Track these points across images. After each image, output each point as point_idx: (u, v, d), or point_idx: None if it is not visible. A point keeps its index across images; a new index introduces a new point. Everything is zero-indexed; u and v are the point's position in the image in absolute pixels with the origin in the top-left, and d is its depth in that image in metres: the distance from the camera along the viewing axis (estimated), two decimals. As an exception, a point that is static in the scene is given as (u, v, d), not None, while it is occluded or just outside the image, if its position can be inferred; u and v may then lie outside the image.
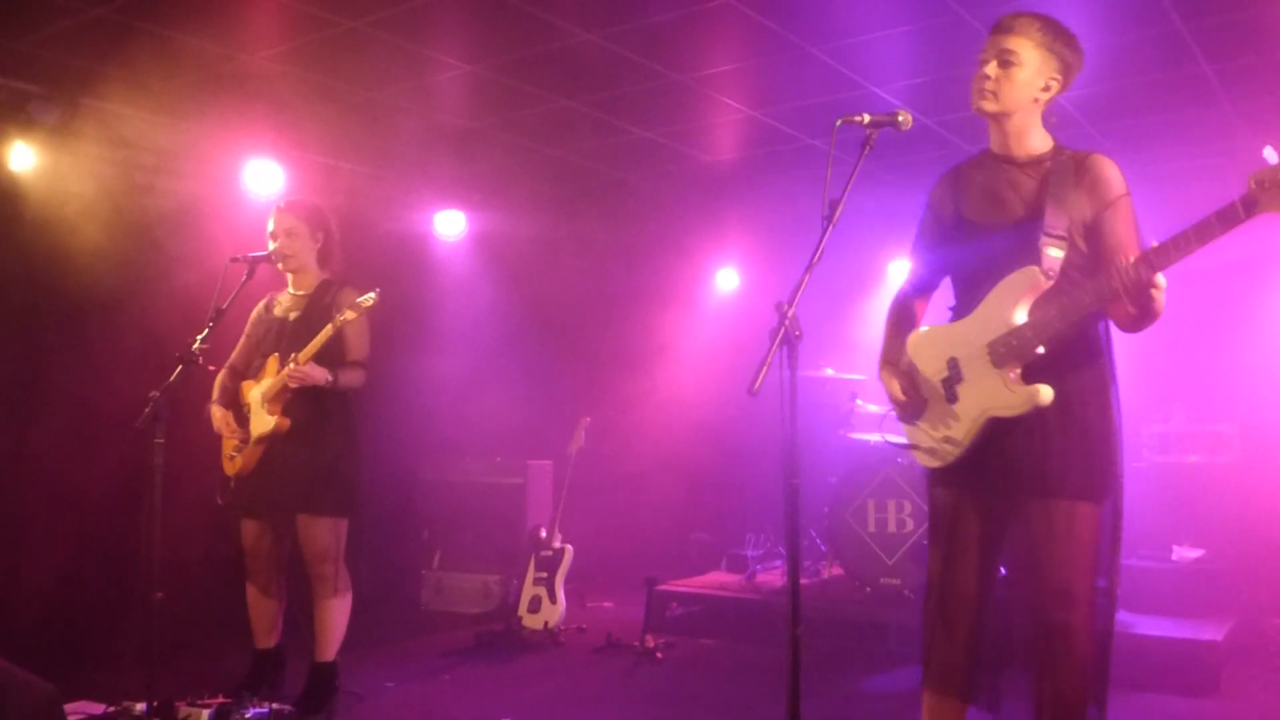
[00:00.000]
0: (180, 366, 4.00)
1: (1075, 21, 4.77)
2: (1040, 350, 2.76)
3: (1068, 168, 2.87)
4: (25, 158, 5.44)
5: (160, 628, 3.89)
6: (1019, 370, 2.79)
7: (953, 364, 2.92)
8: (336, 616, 4.47)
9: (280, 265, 4.54)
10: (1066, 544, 2.77)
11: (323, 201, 4.85)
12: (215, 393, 4.58)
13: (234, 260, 4.37)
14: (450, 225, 7.68)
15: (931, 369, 2.97)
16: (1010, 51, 2.88)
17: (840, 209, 2.82)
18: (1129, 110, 5.88)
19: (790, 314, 2.66)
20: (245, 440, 4.43)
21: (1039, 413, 2.75)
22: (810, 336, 2.78)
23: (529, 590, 6.15)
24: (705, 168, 7.17)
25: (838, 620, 5.92)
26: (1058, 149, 2.95)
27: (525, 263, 8.06)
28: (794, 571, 2.70)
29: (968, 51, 5.05)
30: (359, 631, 4.58)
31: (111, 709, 4.21)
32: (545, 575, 6.13)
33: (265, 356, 4.50)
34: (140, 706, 4.07)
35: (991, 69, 2.90)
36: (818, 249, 2.79)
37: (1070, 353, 2.80)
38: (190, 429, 4.65)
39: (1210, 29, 4.85)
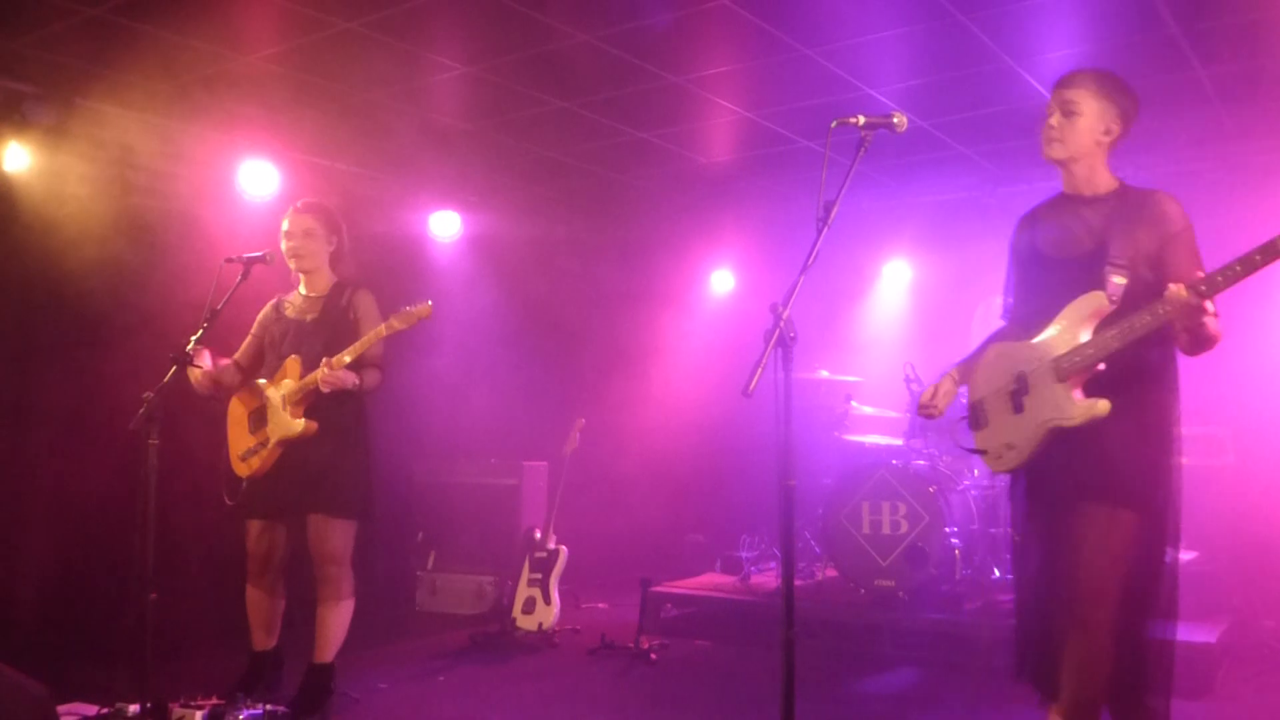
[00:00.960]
0: (175, 367, 4.00)
1: (1070, 25, 4.83)
2: (1101, 367, 2.96)
3: (1132, 204, 3.09)
4: (20, 158, 5.45)
5: (154, 629, 3.88)
6: (1080, 385, 2.99)
7: (1020, 378, 3.11)
8: (339, 619, 4.45)
9: (294, 265, 4.53)
10: (1078, 548, 2.94)
11: (334, 205, 4.85)
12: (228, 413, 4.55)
13: (229, 261, 4.37)
14: (445, 226, 7.69)
15: (1001, 382, 3.19)
16: (1071, 102, 3.16)
17: (835, 211, 2.84)
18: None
19: (785, 315, 2.68)
20: (264, 443, 4.39)
21: (1095, 429, 2.94)
22: (805, 338, 2.80)
23: (523, 591, 6.15)
24: (700, 169, 7.18)
25: (832, 622, 5.93)
26: (1123, 187, 3.16)
27: (520, 264, 8.06)
28: (788, 573, 2.71)
29: (962, 53, 5.12)
30: (354, 633, 4.57)
31: (105, 710, 4.19)
32: (540, 576, 6.13)
33: (282, 358, 4.45)
34: (134, 708, 4.05)
35: (1056, 119, 3.18)
36: (813, 251, 2.81)
37: (1129, 372, 2.98)
38: (185, 430, 4.65)
39: (1205, 34, 4.87)
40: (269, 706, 4.20)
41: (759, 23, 4.78)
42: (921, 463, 6.22)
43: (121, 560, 5.30)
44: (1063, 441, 3.01)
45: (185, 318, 4.52)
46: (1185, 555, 5.95)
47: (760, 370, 2.61)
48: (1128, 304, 2.95)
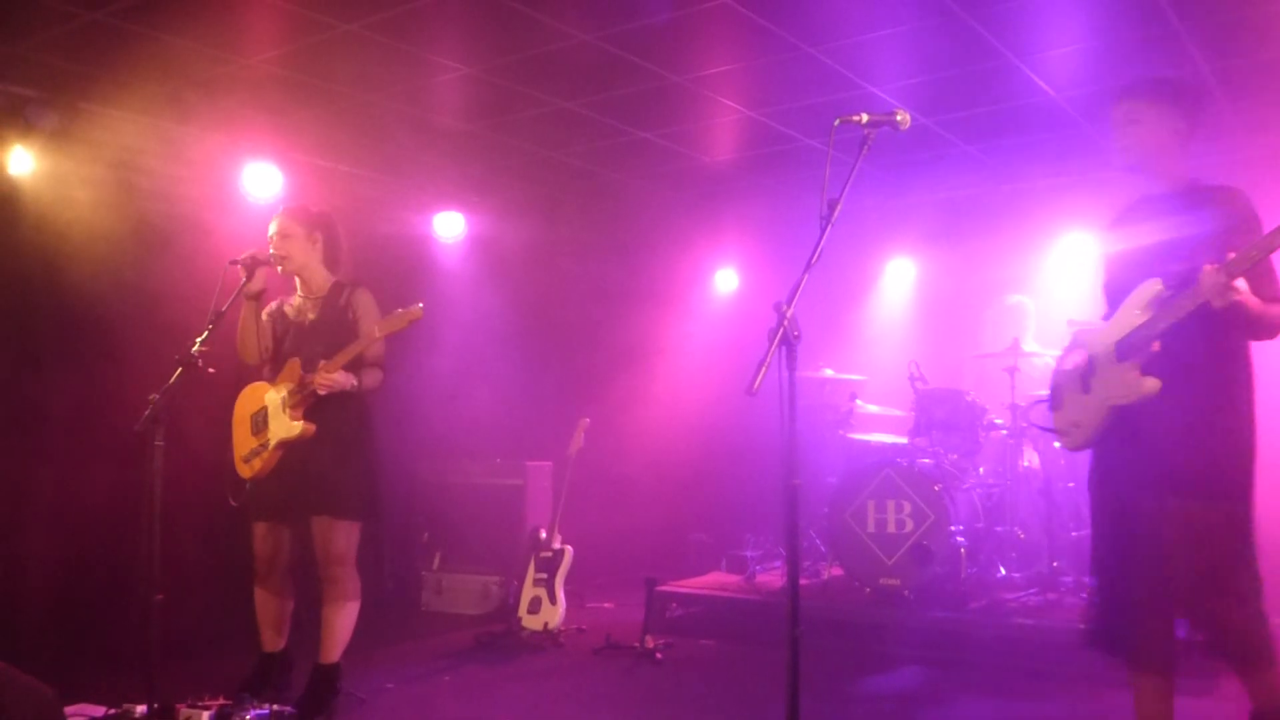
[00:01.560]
0: (180, 369, 4.00)
1: (1072, 22, 4.83)
2: (1155, 347, 3.12)
3: (1199, 198, 3.24)
4: (24, 162, 5.46)
5: (160, 630, 3.89)
6: (1139, 365, 3.15)
7: (1090, 360, 3.34)
8: (345, 620, 4.46)
9: (279, 269, 4.54)
10: (1149, 540, 3.12)
11: (326, 206, 4.85)
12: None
13: (232, 263, 4.38)
14: (449, 227, 7.70)
15: (1073, 364, 3.43)
16: (1131, 113, 3.35)
17: (839, 209, 2.85)
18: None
19: (789, 314, 2.68)
20: (265, 445, 4.39)
21: (1154, 414, 3.11)
22: (809, 337, 2.80)
23: (529, 591, 6.15)
24: (703, 168, 7.18)
25: (837, 621, 5.91)
26: (1193, 183, 3.32)
27: (524, 264, 8.07)
28: (793, 572, 2.71)
29: (965, 51, 5.12)
30: (360, 633, 4.58)
31: (112, 711, 4.20)
32: (545, 576, 6.13)
33: (283, 359, 4.47)
34: (141, 708, 4.07)
35: (1120, 130, 3.37)
36: (816, 249, 2.81)
37: (1189, 357, 3.11)
38: (190, 432, 4.66)
39: (1207, 29, 4.86)
40: (275, 707, 4.21)
41: (761, 21, 4.78)
42: (926, 461, 6.22)
43: (127, 561, 5.31)
44: (1129, 427, 3.19)
45: (190, 320, 4.52)
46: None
47: (764, 369, 2.62)
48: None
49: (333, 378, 4.26)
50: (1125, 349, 3.18)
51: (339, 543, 4.39)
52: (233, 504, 4.48)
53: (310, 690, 4.42)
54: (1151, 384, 3.09)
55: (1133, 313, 3.20)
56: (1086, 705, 4.72)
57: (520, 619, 6.09)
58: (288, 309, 4.61)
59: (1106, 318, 3.42)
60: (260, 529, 4.51)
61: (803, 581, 6.30)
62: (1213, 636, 3.14)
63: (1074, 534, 6.40)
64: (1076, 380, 3.39)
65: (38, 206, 5.52)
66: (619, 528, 7.84)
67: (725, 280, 9.20)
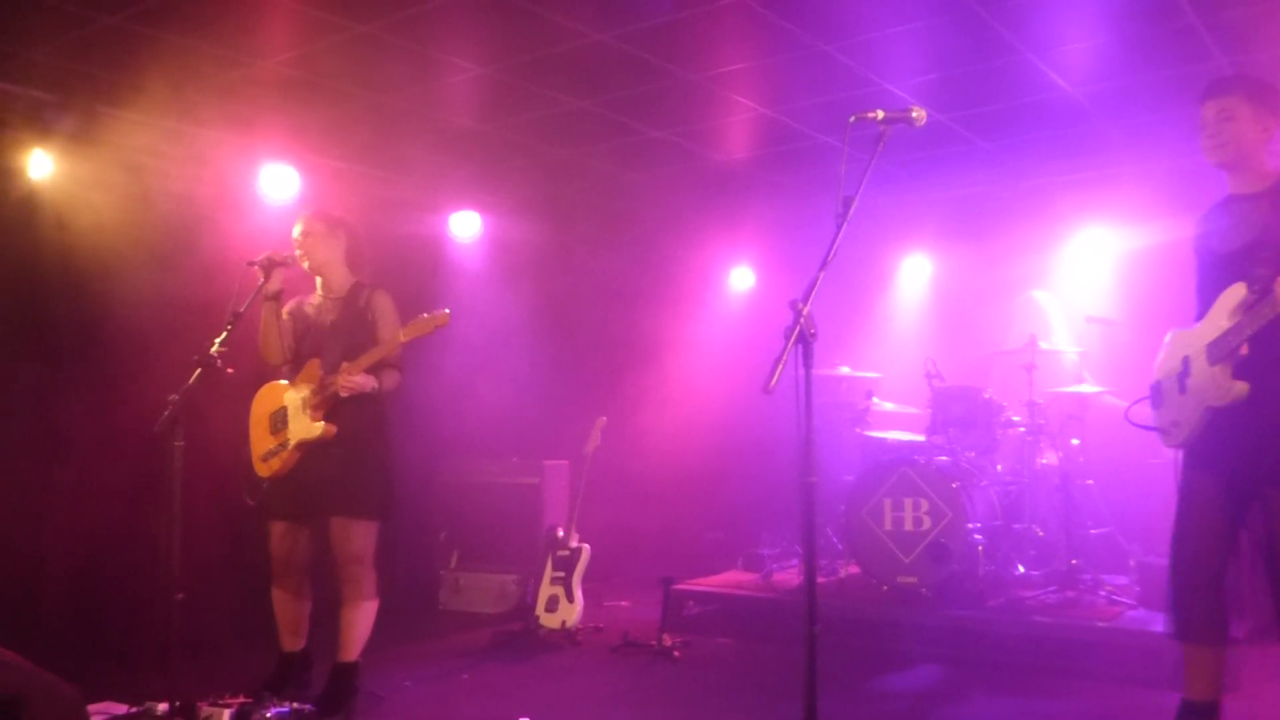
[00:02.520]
0: (198, 370, 4.03)
1: (1089, 16, 4.81)
2: (1244, 351, 3.21)
3: None
4: (43, 166, 5.50)
5: (181, 628, 3.91)
6: (1230, 368, 3.26)
7: (1185, 362, 3.44)
8: (363, 619, 4.48)
9: (305, 266, 4.59)
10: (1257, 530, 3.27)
11: (344, 209, 4.92)
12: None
13: (250, 264, 4.41)
14: (465, 227, 7.72)
15: (1171, 365, 3.53)
16: (1227, 108, 3.39)
17: (854, 206, 2.84)
18: (1143, 105, 5.86)
19: (805, 312, 2.68)
20: (284, 444, 4.42)
21: (1251, 410, 3.23)
22: (825, 334, 2.80)
23: (546, 590, 6.16)
24: (718, 166, 7.18)
25: (854, 619, 5.91)
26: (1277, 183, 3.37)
27: (539, 263, 8.08)
28: (810, 570, 2.71)
29: (981, 47, 5.10)
30: (378, 632, 4.60)
31: (134, 709, 4.23)
32: (562, 575, 6.15)
33: (303, 359, 4.50)
34: (162, 707, 4.10)
35: (1214, 127, 3.42)
36: (832, 247, 2.81)
37: (1274, 357, 3.21)
38: (209, 433, 4.68)
39: (1225, 23, 4.83)
40: (295, 705, 4.23)
41: (775, 19, 4.77)
42: (944, 459, 6.20)
43: (148, 561, 5.35)
44: (1229, 426, 3.29)
45: (208, 321, 4.55)
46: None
47: (781, 367, 2.62)
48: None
49: (355, 380, 4.30)
50: (1216, 353, 3.29)
51: (356, 543, 4.42)
52: (249, 503, 4.51)
53: (330, 688, 4.44)
54: (1241, 387, 3.22)
55: (1221, 316, 3.31)
56: (1107, 703, 4.70)
57: (538, 617, 6.11)
58: (308, 308, 4.64)
59: (1198, 318, 3.49)
60: (278, 528, 4.53)
61: (820, 580, 6.29)
62: None
63: (1092, 531, 6.38)
64: (1174, 381, 3.49)
65: (56, 209, 5.56)
66: (636, 526, 7.85)
67: (740, 278, 9.20)
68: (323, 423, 4.36)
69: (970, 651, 5.45)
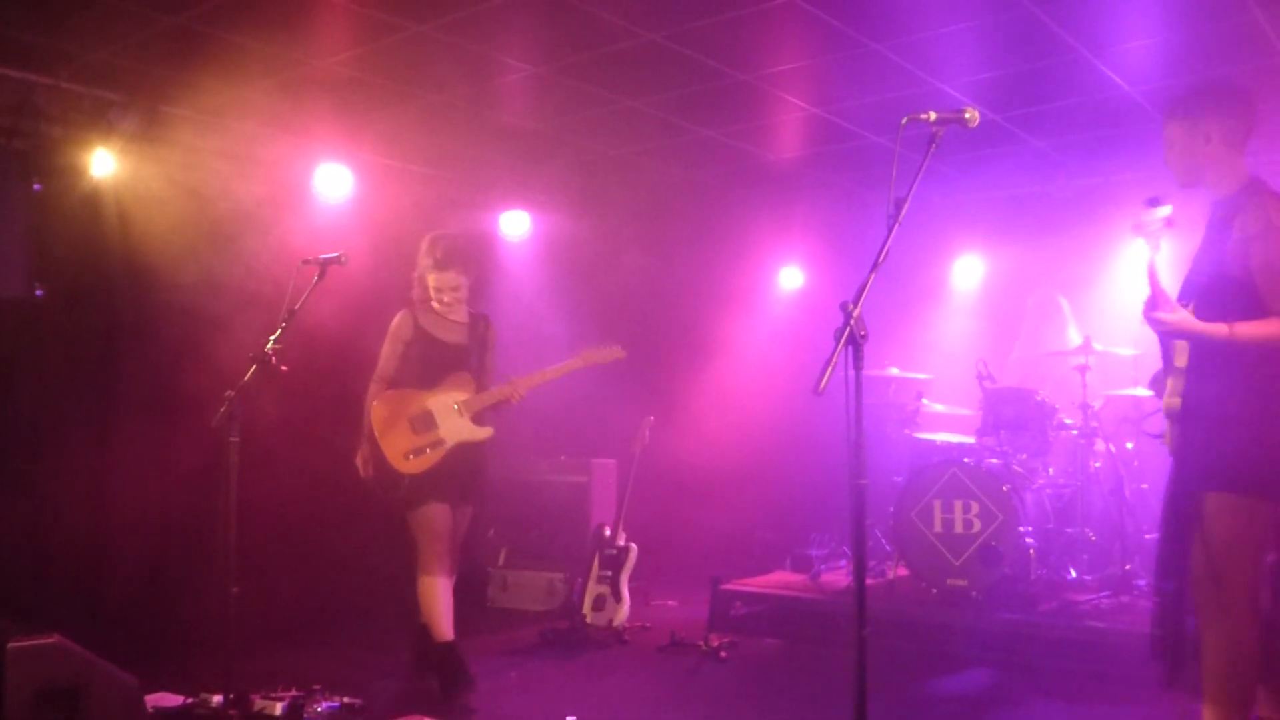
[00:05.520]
0: (254, 366, 4.09)
1: (1146, 14, 4.72)
2: (1180, 363, 3.35)
3: (1238, 204, 3.29)
4: (106, 164, 5.60)
5: (237, 621, 3.98)
6: (1182, 378, 3.35)
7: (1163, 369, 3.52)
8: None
9: (443, 311, 5.02)
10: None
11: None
12: (371, 417, 4.86)
13: (305, 262, 4.45)
14: (515, 225, 7.75)
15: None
16: (1166, 139, 3.46)
17: (906, 207, 2.82)
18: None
19: (855, 314, 2.66)
20: (438, 443, 4.80)
21: (1186, 418, 3.35)
22: (875, 335, 2.78)
23: (593, 588, 6.18)
24: (769, 166, 7.16)
25: (903, 621, 5.86)
26: (1243, 188, 3.34)
27: (588, 262, 8.09)
28: (860, 572, 2.70)
29: (1035, 45, 5.04)
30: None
31: (190, 700, 4.32)
32: (609, 573, 6.16)
33: (439, 372, 4.91)
34: (217, 698, 4.17)
35: (1166, 157, 3.48)
36: (883, 248, 2.79)
37: (1211, 364, 3.27)
38: (265, 428, 4.75)
39: (1291, 19, 4.73)
40: (347, 700, 4.29)
41: (827, 19, 4.75)
42: (994, 461, 6.14)
43: (205, 554, 5.45)
44: (1183, 435, 3.35)
45: (264, 318, 4.63)
46: None
47: (830, 369, 2.61)
48: (1213, 299, 3.23)
49: (523, 393, 4.98)
50: (1167, 359, 3.43)
51: (467, 526, 5.08)
52: (384, 497, 4.83)
53: (456, 666, 4.72)
54: (1172, 401, 3.37)
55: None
56: (1161, 712, 4.62)
57: (585, 616, 6.13)
58: (429, 327, 4.99)
59: None
60: (442, 512, 4.82)
61: (868, 581, 6.25)
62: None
63: (1147, 536, 6.27)
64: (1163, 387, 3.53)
65: (119, 207, 5.67)
66: (683, 525, 7.84)
67: (790, 278, 9.16)
68: (488, 427, 4.96)
69: (1021, 656, 5.39)
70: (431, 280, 4.96)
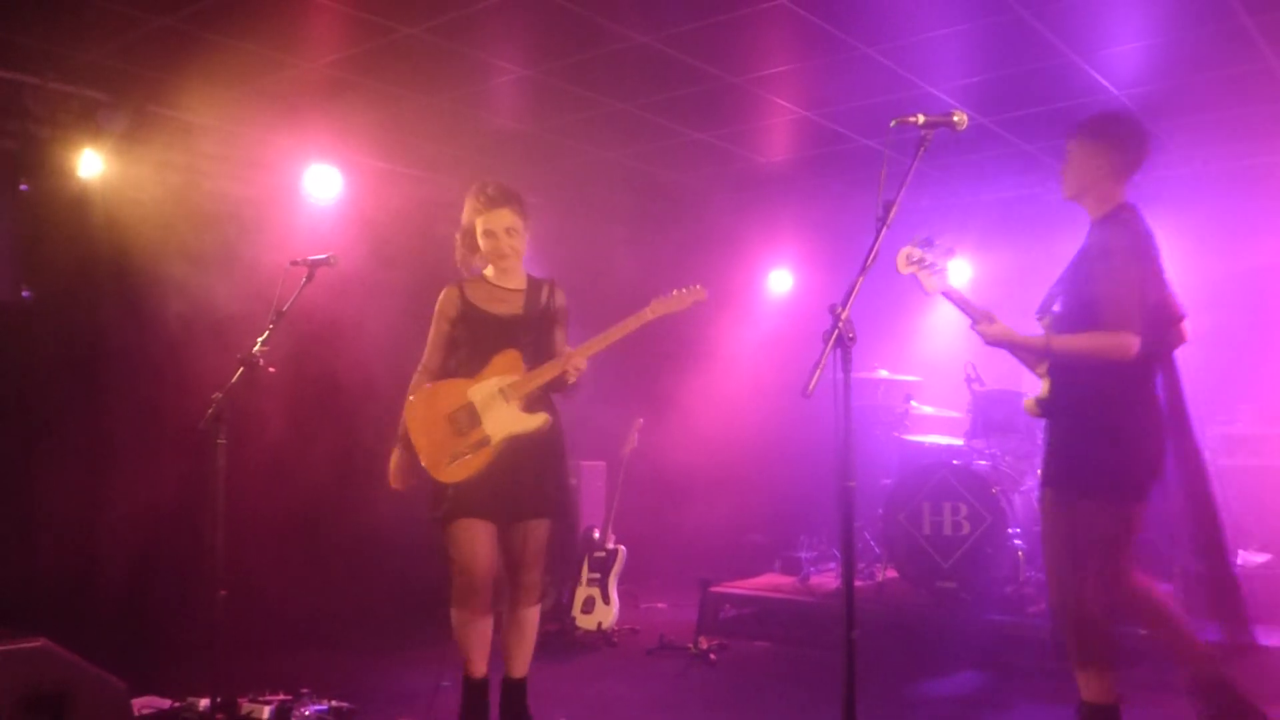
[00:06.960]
0: (242, 368, 4.07)
1: (1136, 18, 4.74)
2: (1040, 372, 3.66)
3: (1095, 226, 3.56)
4: (94, 164, 5.58)
5: (224, 625, 3.96)
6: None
7: None
8: (535, 624, 4.23)
9: (496, 265, 4.19)
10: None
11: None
12: (405, 416, 3.97)
13: (294, 263, 4.42)
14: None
15: None
16: (1067, 152, 3.60)
17: (895, 210, 2.83)
18: (1192, 107, 5.78)
19: (844, 316, 2.67)
20: (484, 441, 3.87)
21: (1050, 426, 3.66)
22: (864, 338, 2.79)
23: (582, 591, 6.18)
24: (759, 169, 7.16)
25: (893, 623, 5.87)
26: (1109, 214, 3.53)
27: (579, 264, 8.08)
28: (848, 574, 2.70)
29: (1024, 49, 5.05)
30: (415, 631, 4.63)
31: (177, 704, 4.30)
32: (598, 576, 6.16)
33: (487, 354, 4.00)
34: (204, 702, 4.15)
35: (1062, 168, 3.63)
36: (872, 250, 2.80)
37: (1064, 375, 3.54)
38: (252, 431, 4.72)
39: (1278, 24, 4.75)
40: (334, 703, 4.27)
41: (818, 22, 4.76)
42: (983, 463, 6.15)
43: (192, 557, 5.42)
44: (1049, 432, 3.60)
45: (252, 320, 4.60)
46: (1258, 557, 5.82)
47: (819, 371, 2.61)
48: (1073, 314, 3.48)
49: (582, 366, 4.02)
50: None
51: (542, 544, 4.03)
52: (434, 516, 3.88)
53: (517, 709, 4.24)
54: (1030, 402, 3.64)
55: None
56: (1150, 712, 4.64)
57: (574, 619, 6.12)
58: (476, 300, 4.10)
59: None
60: (478, 533, 3.86)
61: (858, 584, 6.25)
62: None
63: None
64: None
65: (107, 208, 5.65)
66: (672, 528, 7.84)
67: (779, 280, 9.16)
68: (540, 414, 3.95)
69: (1011, 658, 5.40)
70: (480, 224, 4.05)
